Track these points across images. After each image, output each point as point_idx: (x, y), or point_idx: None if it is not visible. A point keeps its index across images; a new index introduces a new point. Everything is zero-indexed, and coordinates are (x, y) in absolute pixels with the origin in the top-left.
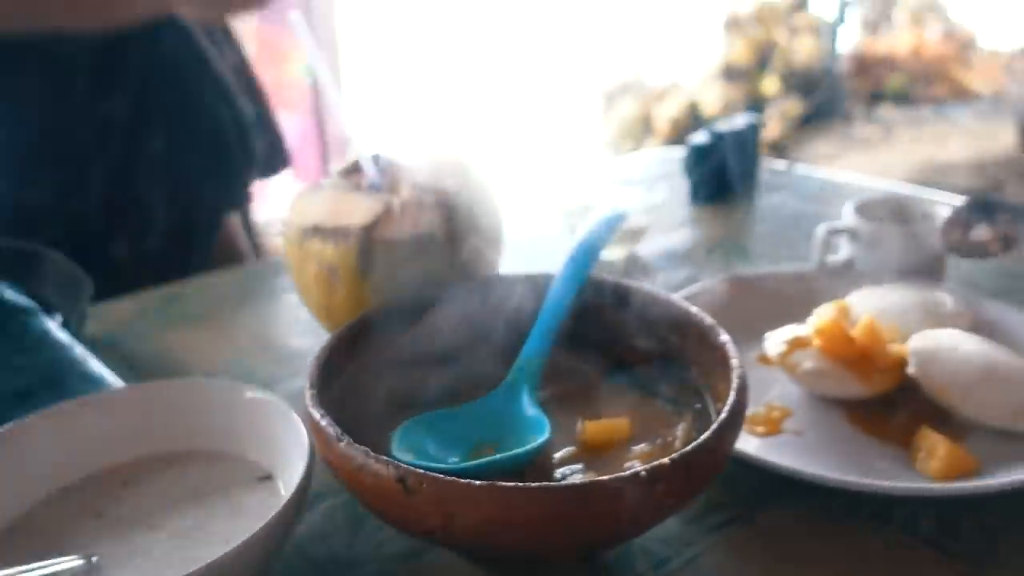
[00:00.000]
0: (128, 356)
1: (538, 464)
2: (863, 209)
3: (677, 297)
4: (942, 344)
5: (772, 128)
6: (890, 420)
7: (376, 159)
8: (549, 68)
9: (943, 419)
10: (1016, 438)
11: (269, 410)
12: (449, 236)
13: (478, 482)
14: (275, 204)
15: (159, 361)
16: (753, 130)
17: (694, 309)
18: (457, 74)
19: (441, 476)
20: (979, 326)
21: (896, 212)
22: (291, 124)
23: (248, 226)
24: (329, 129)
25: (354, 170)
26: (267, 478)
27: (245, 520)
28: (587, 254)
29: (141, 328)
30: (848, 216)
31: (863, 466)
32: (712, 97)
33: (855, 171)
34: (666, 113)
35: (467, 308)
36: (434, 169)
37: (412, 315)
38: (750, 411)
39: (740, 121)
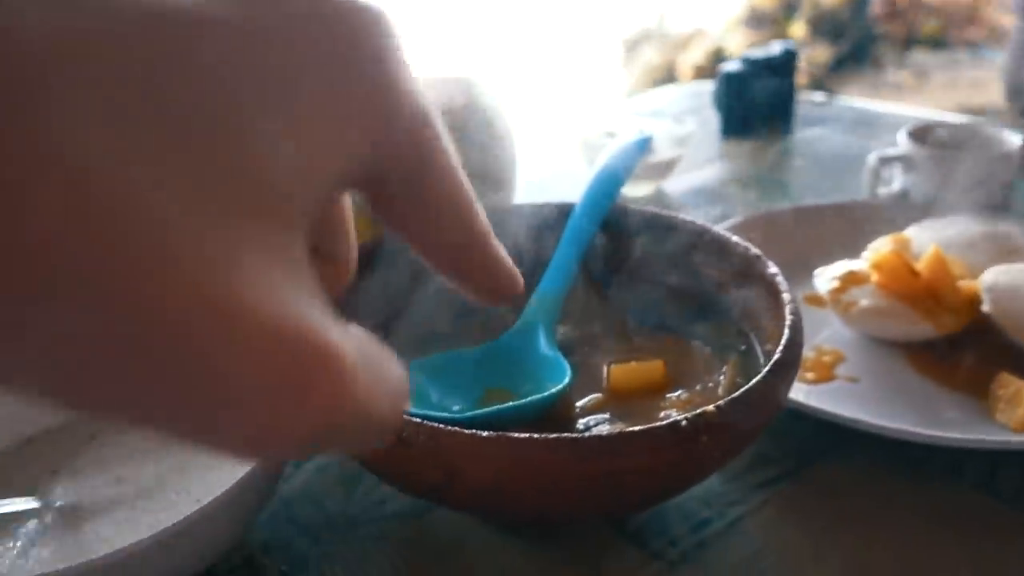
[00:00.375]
0: None
1: (558, 414)
2: (918, 136)
3: (716, 226)
4: (1020, 279)
5: (800, 75)
6: (959, 365)
7: None
8: (569, 14)
9: (1019, 364)
10: None
11: None
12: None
13: (485, 433)
14: None
15: None
16: (790, 58)
17: (736, 238)
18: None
19: (443, 426)
20: None
21: (953, 139)
22: None
23: None
24: None
25: None
26: None
27: (221, 475)
28: (611, 180)
29: None
30: (903, 143)
31: (930, 416)
32: (737, 43)
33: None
34: (689, 60)
35: None
36: (439, 88)
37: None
38: None
39: (775, 49)
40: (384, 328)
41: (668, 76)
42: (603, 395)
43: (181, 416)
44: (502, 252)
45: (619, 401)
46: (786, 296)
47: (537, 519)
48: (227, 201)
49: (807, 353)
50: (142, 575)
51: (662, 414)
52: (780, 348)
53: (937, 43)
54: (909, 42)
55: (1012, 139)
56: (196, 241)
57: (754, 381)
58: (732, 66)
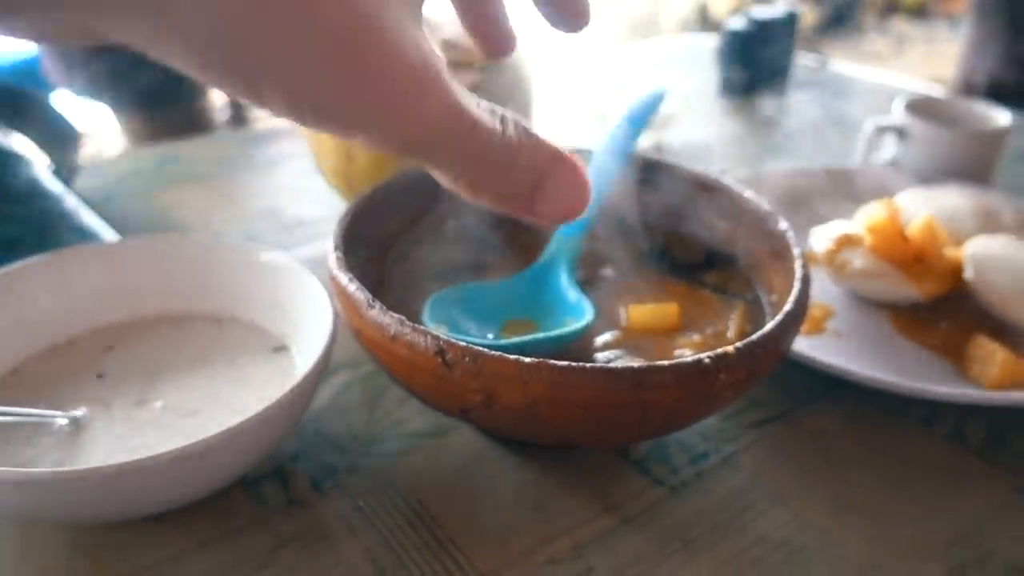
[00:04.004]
0: (122, 215)
1: (577, 348)
2: (914, 108)
3: (731, 181)
4: (1002, 251)
5: None
6: (938, 327)
7: None
8: None
9: (995, 330)
10: None
11: (285, 274)
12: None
13: (527, 359)
14: None
15: (156, 221)
16: (792, 20)
17: (749, 194)
18: None
19: (485, 351)
20: None
21: (946, 113)
22: None
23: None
24: None
25: None
26: (281, 349)
27: (254, 391)
28: (630, 130)
29: (135, 187)
30: (898, 114)
31: (908, 372)
32: None
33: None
34: (674, 11)
35: None
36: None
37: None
38: None
39: (779, 10)
40: (412, 263)
41: (651, 27)
42: (620, 333)
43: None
44: None
45: (635, 339)
46: (796, 251)
47: (562, 441)
48: None
49: None
50: (190, 477)
51: (676, 352)
52: (791, 300)
53: (918, 13)
54: (891, 10)
55: (1001, 117)
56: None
57: (768, 327)
58: (738, 24)
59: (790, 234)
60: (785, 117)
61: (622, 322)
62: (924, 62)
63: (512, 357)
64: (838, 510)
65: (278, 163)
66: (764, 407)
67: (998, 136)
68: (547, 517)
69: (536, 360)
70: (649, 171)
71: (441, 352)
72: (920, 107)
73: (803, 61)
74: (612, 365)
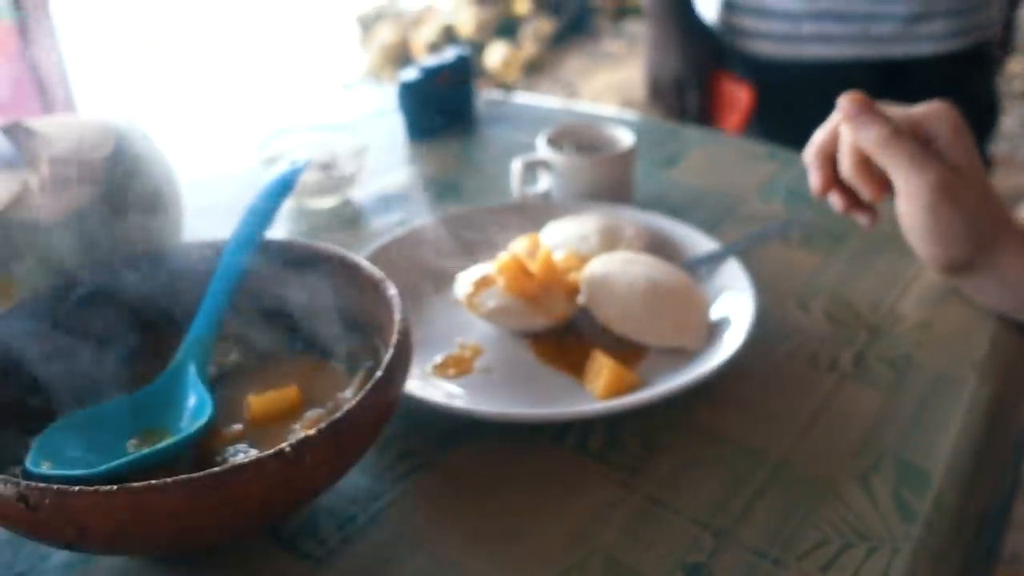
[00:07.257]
0: None
1: (203, 447)
2: (555, 140)
3: (349, 253)
4: (610, 271)
5: (527, 48)
6: (570, 348)
7: (12, 130)
8: None
9: (619, 343)
10: (682, 355)
11: None
12: (105, 210)
13: (105, 488)
14: None
15: None
16: (464, 62)
17: (365, 264)
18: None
19: (67, 487)
20: (655, 245)
21: (586, 139)
22: None
23: None
24: (46, 74)
25: None
26: None
27: None
28: (258, 218)
29: None
30: (541, 148)
31: (542, 396)
32: (466, 19)
33: (604, 86)
34: (423, 38)
35: (133, 286)
36: (77, 138)
37: (66, 301)
38: (445, 354)
39: (450, 54)
40: (38, 391)
41: (403, 55)
42: (245, 424)
43: None
44: None
45: (259, 427)
46: (398, 316)
47: (175, 550)
48: None
49: (453, 350)
50: None
51: (293, 437)
52: (381, 368)
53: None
54: (621, 12)
55: (626, 138)
56: None
57: (347, 407)
58: (410, 75)
59: (396, 299)
60: (472, 156)
61: (247, 413)
62: None
63: (91, 489)
64: (468, 542)
65: None
66: (411, 457)
67: (625, 157)
68: None
69: (113, 488)
70: (276, 255)
71: (23, 497)
72: (562, 136)
73: (487, 97)
74: (188, 476)
